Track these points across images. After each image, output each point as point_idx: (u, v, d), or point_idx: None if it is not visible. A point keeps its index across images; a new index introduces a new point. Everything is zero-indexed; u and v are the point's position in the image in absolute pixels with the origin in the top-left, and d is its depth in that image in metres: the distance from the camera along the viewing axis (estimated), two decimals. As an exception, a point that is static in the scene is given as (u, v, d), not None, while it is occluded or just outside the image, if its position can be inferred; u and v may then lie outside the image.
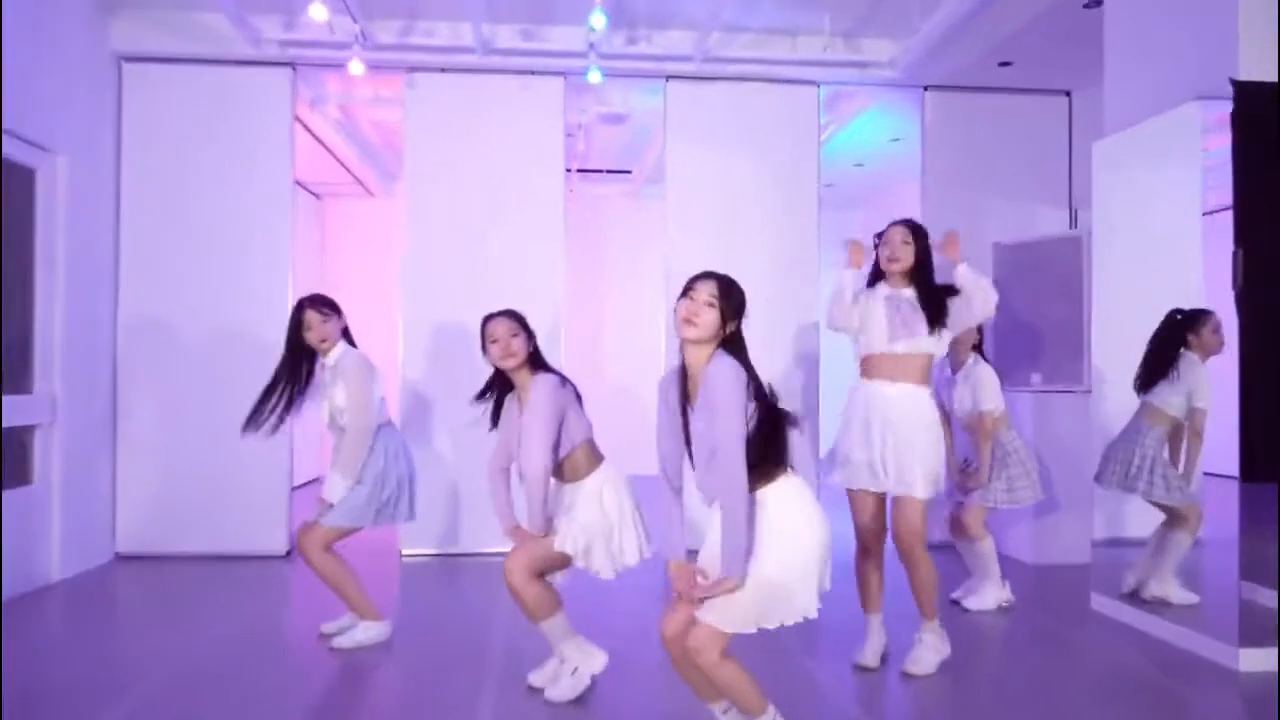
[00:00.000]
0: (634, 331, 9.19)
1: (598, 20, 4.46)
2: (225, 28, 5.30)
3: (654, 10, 5.36)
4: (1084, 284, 5.31)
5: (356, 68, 5.05)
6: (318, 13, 4.21)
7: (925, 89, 5.99)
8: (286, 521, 5.54)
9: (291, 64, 5.55)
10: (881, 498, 3.47)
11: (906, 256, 3.47)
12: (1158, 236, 4.21)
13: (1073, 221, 6.00)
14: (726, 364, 2.40)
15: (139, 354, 5.46)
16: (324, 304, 3.77)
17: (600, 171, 8.71)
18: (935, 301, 3.42)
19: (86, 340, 5.18)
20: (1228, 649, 3.55)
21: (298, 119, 6.78)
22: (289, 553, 5.50)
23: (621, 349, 9.35)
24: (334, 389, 3.72)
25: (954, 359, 4.49)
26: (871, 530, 3.50)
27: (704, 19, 5.24)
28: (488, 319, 3.22)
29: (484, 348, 3.19)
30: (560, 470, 3.19)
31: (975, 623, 4.23)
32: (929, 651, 3.45)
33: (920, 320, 3.40)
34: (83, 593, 4.75)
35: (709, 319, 2.43)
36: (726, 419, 2.34)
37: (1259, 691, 3.30)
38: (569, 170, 8.27)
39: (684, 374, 2.51)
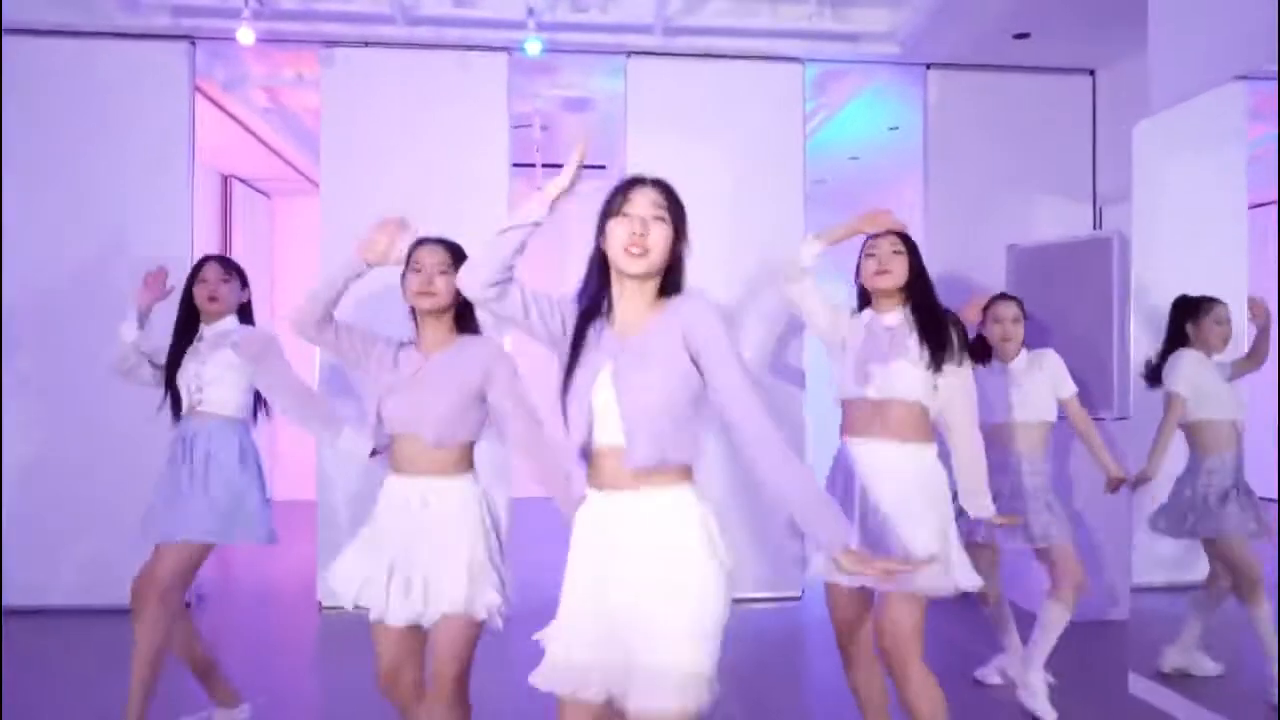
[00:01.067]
0: None
1: (533, 47, 3.65)
2: (113, -3, 4.54)
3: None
4: (1114, 293, 4.52)
5: (246, 36, 4.27)
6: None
7: (929, 67, 5.18)
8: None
9: (189, 37, 4.78)
10: (866, 594, 2.64)
11: (899, 270, 2.65)
12: (1201, 234, 3.45)
13: (1098, 221, 5.21)
14: (706, 301, 1.82)
15: (26, 377, 4.69)
16: (228, 264, 3.11)
17: (589, 168, 7.91)
18: (936, 327, 2.60)
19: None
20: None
21: (225, 110, 6.07)
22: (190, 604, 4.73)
23: None
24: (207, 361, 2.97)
25: (1003, 355, 3.64)
26: (852, 633, 2.67)
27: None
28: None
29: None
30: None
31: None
32: None
33: (902, 353, 2.59)
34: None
35: (661, 239, 1.80)
36: (736, 366, 1.76)
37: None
38: (531, 165, 7.50)
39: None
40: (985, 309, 3.68)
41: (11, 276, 4.71)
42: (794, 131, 5.12)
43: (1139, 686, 3.58)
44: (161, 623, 2.87)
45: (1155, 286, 3.67)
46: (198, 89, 5.00)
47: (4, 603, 4.58)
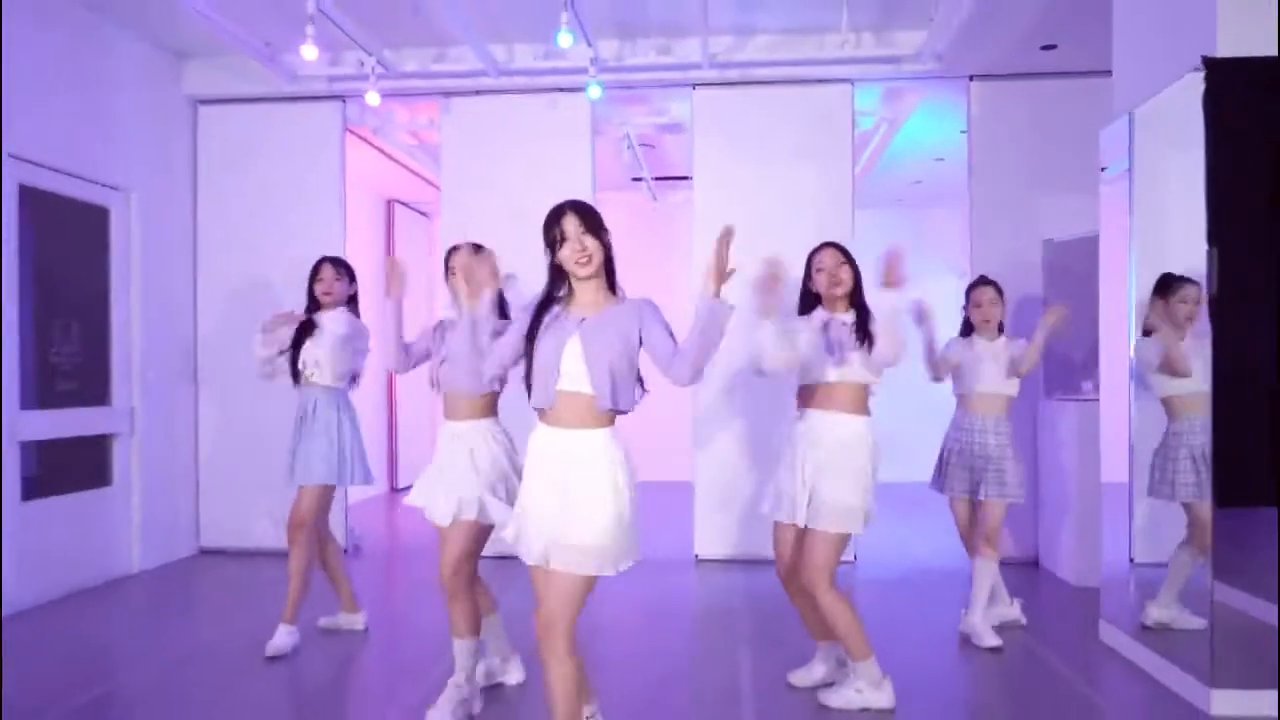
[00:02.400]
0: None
1: (564, 39, 4.52)
2: (286, 69, 5.76)
3: (675, 20, 5.36)
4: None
5: (373, 98, 5.36)
6: (309, 53, 4.50)
7: (970, 79, 5.66)
8: (345, 522, 5.95)
9: (340, 97, 5.96)
10: (801, 532, 3.28)
11: (847, 279, 3.30)
12: (1170, 228, 3.80)
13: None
14: (651, 301, 2.58)
15: (219, 366, 6.03)
16: (340, 264, 4.13)
17: (681, 179, 8.73)
18: (869, 322, 3.26)
19: (166, 357, 5.77)
20: (1200, 688, 3.19)
21: (377, 147, 7.30)
22: (348, 550, 5.92)
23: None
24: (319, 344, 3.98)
25: (984, 333, 4.19)
26: (792, 568, 3.34)
27: (723, 25, 5.21)
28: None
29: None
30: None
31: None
32: (853, 691, 3.27)
33: (854, 346, 3.24)
34: (160, 582, 5.32)
35: (595, 248, 2.52)
36: (666, 333, 2.53)
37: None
38: (639, 179, 8.39)
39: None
40: (967, 292, 4.21)
41: (213, 288, 6.05)
42: (844, 145, 5.72)
43: (1108, 635, 4.04)
44: (306, 548, 3.93)
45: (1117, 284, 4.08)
46: (356, 135, 6.17)
47: (205, 545, 5.95)
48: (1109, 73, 5.50)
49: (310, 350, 3.99)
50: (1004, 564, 5.43)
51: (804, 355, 3.23)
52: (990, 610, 4.21)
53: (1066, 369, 5.26)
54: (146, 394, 5.58)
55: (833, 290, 3.30)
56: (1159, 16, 3.79)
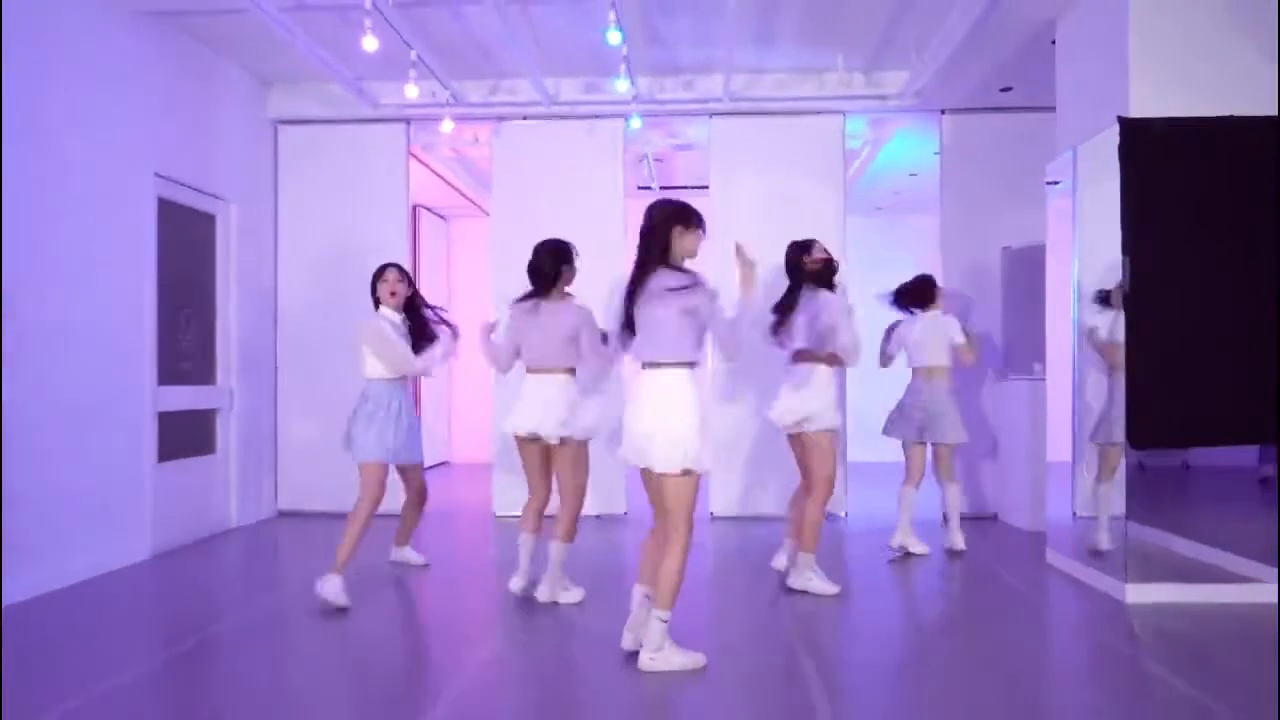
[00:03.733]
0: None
1: (621, 84, 5.54)
2: (355, 95, 6.70)
3: (700, 60, 6.39)
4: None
5: (447, 126, 6.33)
6: (411, 92, 5.47)
7: (943, 112, 6.76)
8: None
9: (406, 120, 6.91)
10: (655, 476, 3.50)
11: None
12: (1105, 239, 4.87)
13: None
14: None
15: (294, 352, 6.95)
16: (401, 270, 4.74)
17: (684, 188, 9.77)
18: None
19: (254, 343, 6.70)
20: (1118, 584, 4.30)
21: (417, 158, 8.25)
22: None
23: None
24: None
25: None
26: (660, 503, 3.49)
27: (738, 64, 6.24)
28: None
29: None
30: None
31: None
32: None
33: None
34: (251, 537, 6.24)
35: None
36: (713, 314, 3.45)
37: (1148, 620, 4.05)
38: (647, 188, 9.42)
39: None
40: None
41: (291, 286, 6.97)
42: (836, 164, 6.79)
43: (1053, 558, 5.13)
44: (366, 505, 4.55)
45: (1060, 292, 5.19)
46: (406, 152, 7.12)
47: (283, 507, 6.88)
48: (1054, 108, 6.68)
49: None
50: (967, 518, 6.56)
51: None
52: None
53: (1019, 353, 6.36)
54: (242, 375, 6.50)
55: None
56: (1090, 74, 4.90)
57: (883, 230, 10.50)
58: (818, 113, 6.77)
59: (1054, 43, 5.37)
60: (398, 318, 4.70)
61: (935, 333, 5.46)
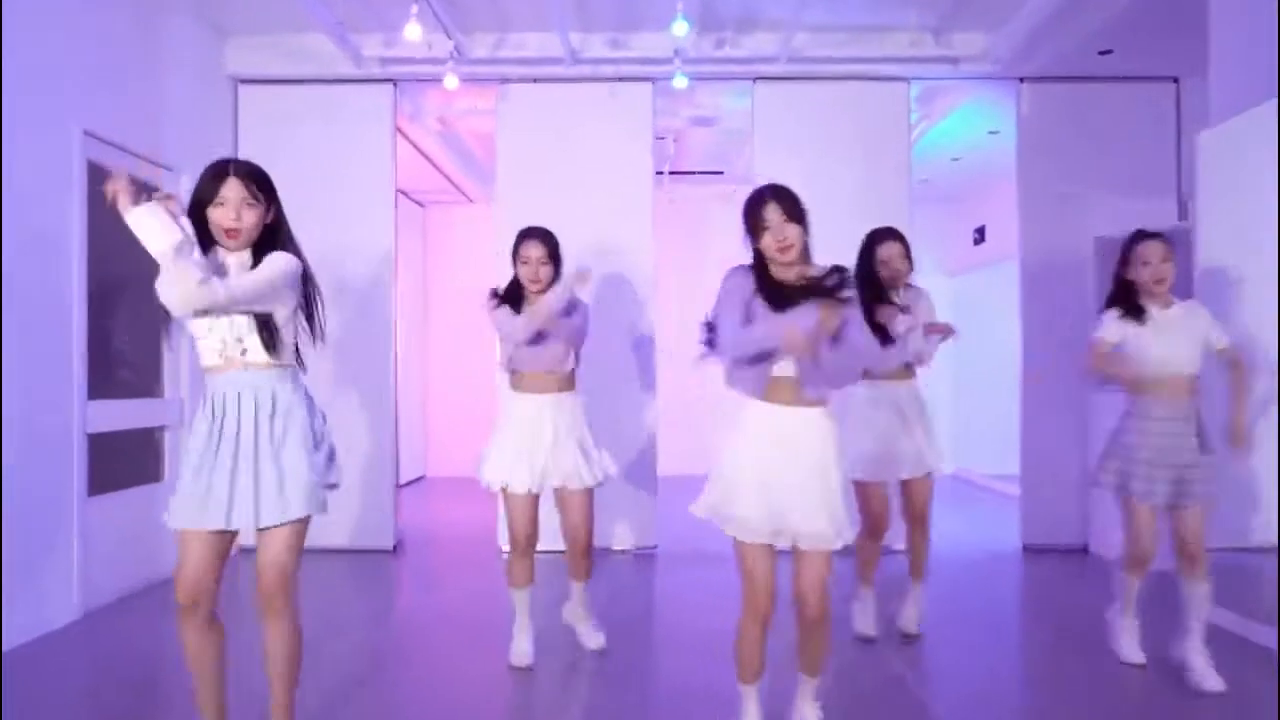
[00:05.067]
0: None
1: (680, 27, 4.53)
2: (330, 49, 5.58)
3: (741, 13, 5.39)
4: (1194, 278, 5.10)
5: (451, 82, 5.25)
6: (412, 32, 4.40)
7: (1021, 81, 5.85)
8: (393, 516, 5.80)
9: (392, 80, 5.81)
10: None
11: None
12: (1262, 235, 4.02)
13: (1182, 213, 5.76)
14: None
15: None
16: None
17: (693, 173, 8.77)
18: None
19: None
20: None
21: (400, 131, 7.11)
22: (395, 548, 5.77)
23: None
24: None
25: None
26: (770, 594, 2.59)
27: (790, 20, 5.25)
28: (525, 234, 3.55)
29: (514, 263, 3.53)
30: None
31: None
32: None
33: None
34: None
35: (795, 235, 2.54)
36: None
37: None
38: (660, 173, 8.38)
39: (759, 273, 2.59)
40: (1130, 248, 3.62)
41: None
42: (900, 140, 5.85)
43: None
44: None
45: (1213, 283, 4.31)
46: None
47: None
48: (1168, 79, 5.81)
49: None
50: (1052, 550, 5.67)
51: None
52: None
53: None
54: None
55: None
56: (1255, 31, 4.01)
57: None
58: (877, 79, 5.81)
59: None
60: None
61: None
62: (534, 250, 3.49)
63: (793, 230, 2.53)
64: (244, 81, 5.84)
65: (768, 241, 2.54)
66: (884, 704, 3.20)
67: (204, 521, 2.38)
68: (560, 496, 3.57)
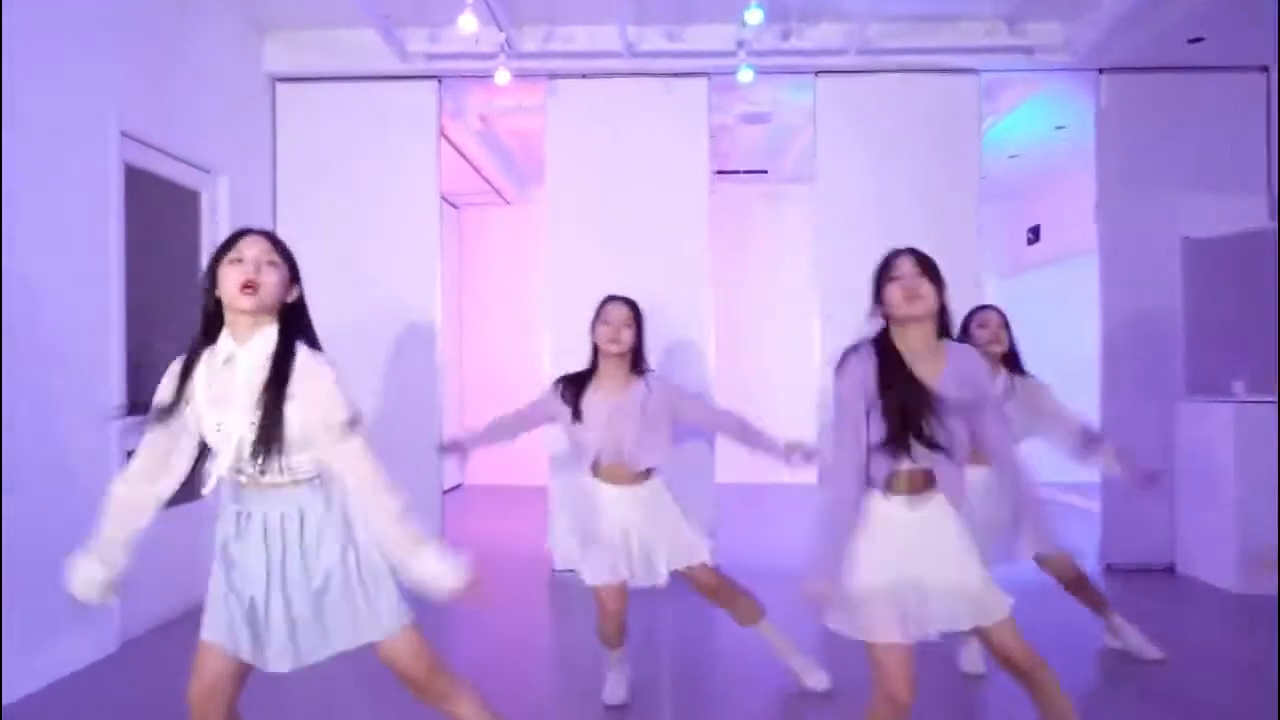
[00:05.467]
0: (783, 332, 9.00)
1: (754, 16, 4.24)
2: (372, 44, 5.32)
3: (804, 3, 5.10)
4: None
5: (503, 77, 4.98)
6: (467, 24, 4.14)
7: (1100, 72, 5.52)
8: (440, 528, 5.55)
9: (437, 77, 5.54)
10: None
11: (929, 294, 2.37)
12: None
13: (1272, 212, 5.42)
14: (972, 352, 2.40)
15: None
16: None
17: (736, 172, 8.48)
18: None
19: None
20: None
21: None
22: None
23: (768, 347, 9.18)
24: None
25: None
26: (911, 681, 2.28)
27: (858, 10, 4.95)
28: (609, 299, 3.23)
29: (593, 326, 3.21)
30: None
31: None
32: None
33: None
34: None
35: (929, 292, 2.26)
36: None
37: None
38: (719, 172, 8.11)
39: (883, 358, 2.28)
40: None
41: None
42: (969, 135, 5.53)
43: None
44: None
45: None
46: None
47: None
48: (1258, 68, 5.47)
49: None
50: (1137, 571, 5.35)
51: None
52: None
53: (1209, 369, 5.16)
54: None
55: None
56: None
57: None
58: (947, 70, 5.50)
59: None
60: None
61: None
62: (617, 312, 3.17)
63: (927, 286, 2.26)
64: (282, 80, 5.58)
65: (894, 294, 2.27)
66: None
67: (234, 648, 2.07)
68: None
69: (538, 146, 7.44)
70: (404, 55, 5.31)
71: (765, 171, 8.51)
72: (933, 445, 2.21)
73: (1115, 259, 5.50)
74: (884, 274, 2.31)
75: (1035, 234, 9.00)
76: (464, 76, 5.58)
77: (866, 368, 2.27)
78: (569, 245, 5.53)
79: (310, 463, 2.06)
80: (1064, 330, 7.53)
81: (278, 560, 2.04)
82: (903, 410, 2.20)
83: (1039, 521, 3.33)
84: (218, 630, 2.07)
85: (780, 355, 8.98)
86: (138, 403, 4.25)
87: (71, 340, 3.80)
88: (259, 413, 1.98)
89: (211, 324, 2.08)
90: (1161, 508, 5.34)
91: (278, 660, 2.05)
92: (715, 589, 3.31)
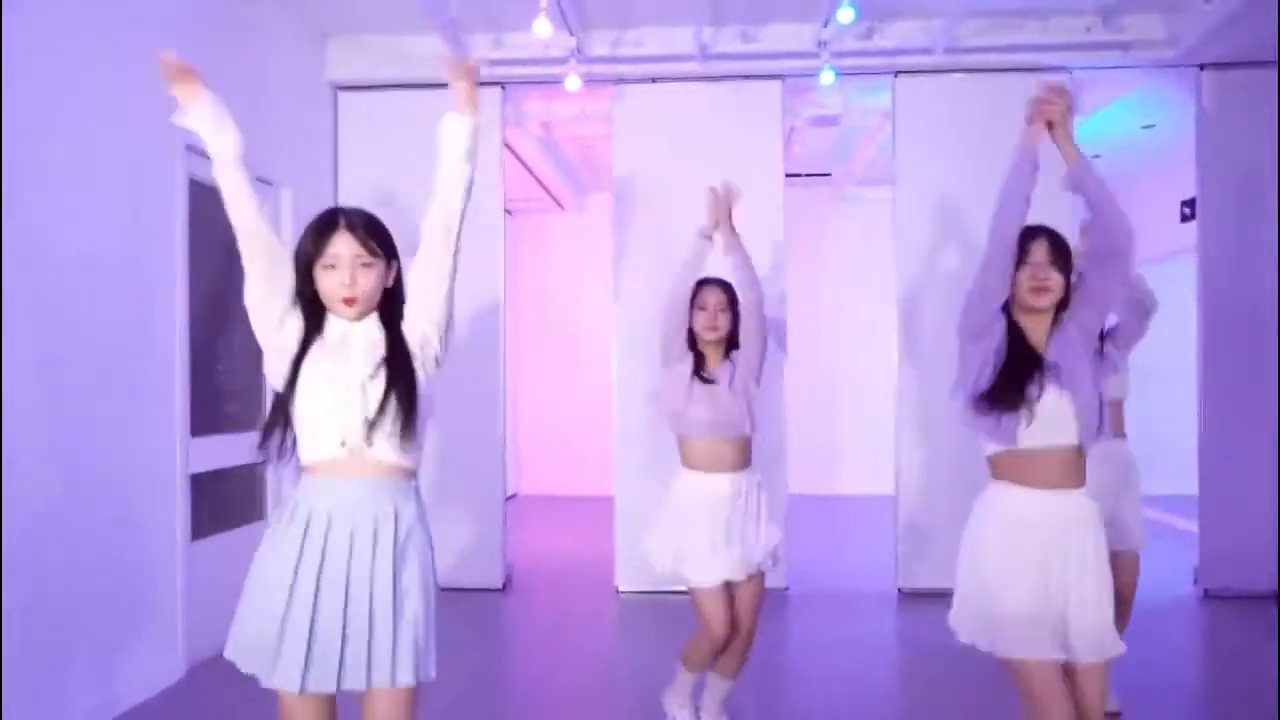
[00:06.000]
0: (858, 334, 8.80)
1: (845, 14, 4.01)
2: (433, 50, 5.17)
3: (886, 1, 4.86)
4: None
5: (573, 83, 4.80)
6: (542, 29, 3.96)
7: (1201, 68, 5.20)
8: (502, 550, 5.39)
9: (501, 83, 5.39)
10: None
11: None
12: None
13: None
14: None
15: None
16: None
17: (798, 175, 8.23)
18: None
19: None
20: None
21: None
22: (504, 585, 5.35)
23: (846, 349, 9.02)
24: None
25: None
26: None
27: (945, 6, 4.70)
28: (703, 281, 3.11)
29: (690, 312, 3.07)
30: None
31: None
32: None
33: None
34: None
35: (1057, 284, 2.23)
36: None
37: None
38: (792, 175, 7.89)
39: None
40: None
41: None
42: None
43: None
44: None
45: None
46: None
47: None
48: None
49: None
50: (1239, 597, 5.04)
51: None
52: None
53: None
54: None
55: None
56: None
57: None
58: (1035, 69, 5.21)
59: None
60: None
61: None
62: (713, 296, 3.06)
63: (1056, 278, 2.21)
64: (343, 88, 5.46)
65: (1023, 280, 2.23)
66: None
67: (312, 684, 1.85)
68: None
69: (598, 153, 7.31)
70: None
71: (828, 174, 8.26)
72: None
73: (1216, 258, 5.20)
74: (1020, 253, 2.24)
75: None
76: (529, 83, 5.41)
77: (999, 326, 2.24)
78: (636, 252, 5.35)
79: (417, 451, 1.96)
80: (1152, 331, 7.20)
81: (366, 561, 1.86)
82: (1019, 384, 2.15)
83: (1136, 514, 3.14)
84: (287, 676, 1.86)
85: (855, 356, 8.87)
86: (201, 421, 4.15)
87: (137, 357, 3.69)
88: (383, 372, 1.90)
89: (314, 312, 1.98)
90: (1267, 528, 5.02)
91: (353, 680, 1.86)
92: (755, 610, 3.06)
